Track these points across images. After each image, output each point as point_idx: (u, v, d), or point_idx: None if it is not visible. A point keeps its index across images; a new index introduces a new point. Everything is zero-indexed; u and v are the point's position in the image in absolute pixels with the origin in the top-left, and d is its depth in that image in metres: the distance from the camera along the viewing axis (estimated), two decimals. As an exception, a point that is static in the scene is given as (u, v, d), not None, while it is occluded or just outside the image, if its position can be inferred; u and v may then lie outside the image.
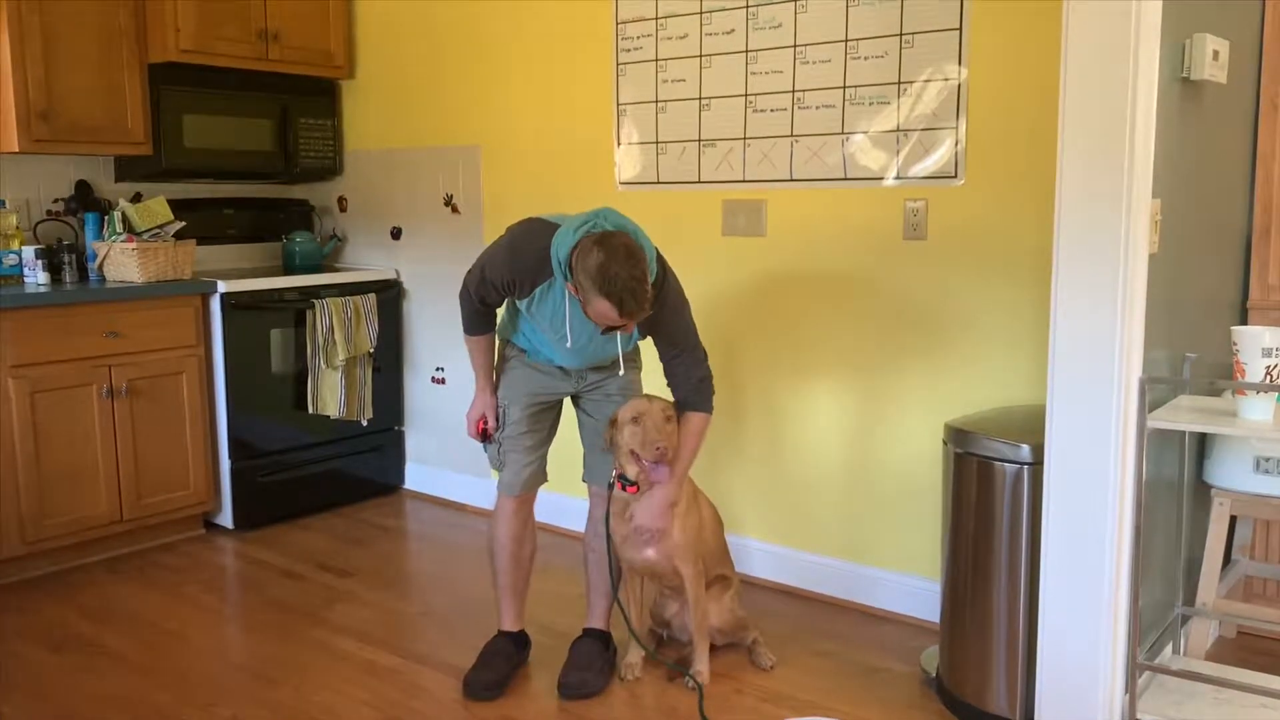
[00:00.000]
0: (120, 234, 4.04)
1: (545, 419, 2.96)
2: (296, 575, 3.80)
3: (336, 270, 4.69)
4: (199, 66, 4.26)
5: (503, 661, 2.93)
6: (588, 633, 3.03)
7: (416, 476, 4.83)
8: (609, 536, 2.91)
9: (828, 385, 3.50)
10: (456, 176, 4.47)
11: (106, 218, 4.12)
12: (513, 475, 2.92)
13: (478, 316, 2.86)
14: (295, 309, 4.35)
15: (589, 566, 3.03)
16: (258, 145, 4.54)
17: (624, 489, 2.84)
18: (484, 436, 2.96)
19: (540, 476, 2.98)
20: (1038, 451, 2.52)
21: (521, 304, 2.75)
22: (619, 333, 2.65)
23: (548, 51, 4.10)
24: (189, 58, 4.18)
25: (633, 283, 2.44)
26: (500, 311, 2.91)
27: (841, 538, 3.52)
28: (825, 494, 3.54)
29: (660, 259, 2.69)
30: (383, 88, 4.70)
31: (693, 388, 2.80)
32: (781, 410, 3.62)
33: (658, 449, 2.71)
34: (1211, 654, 3.04)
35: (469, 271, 2.80)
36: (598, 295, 2.45)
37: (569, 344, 2.73)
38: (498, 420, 2.92)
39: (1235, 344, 2.36)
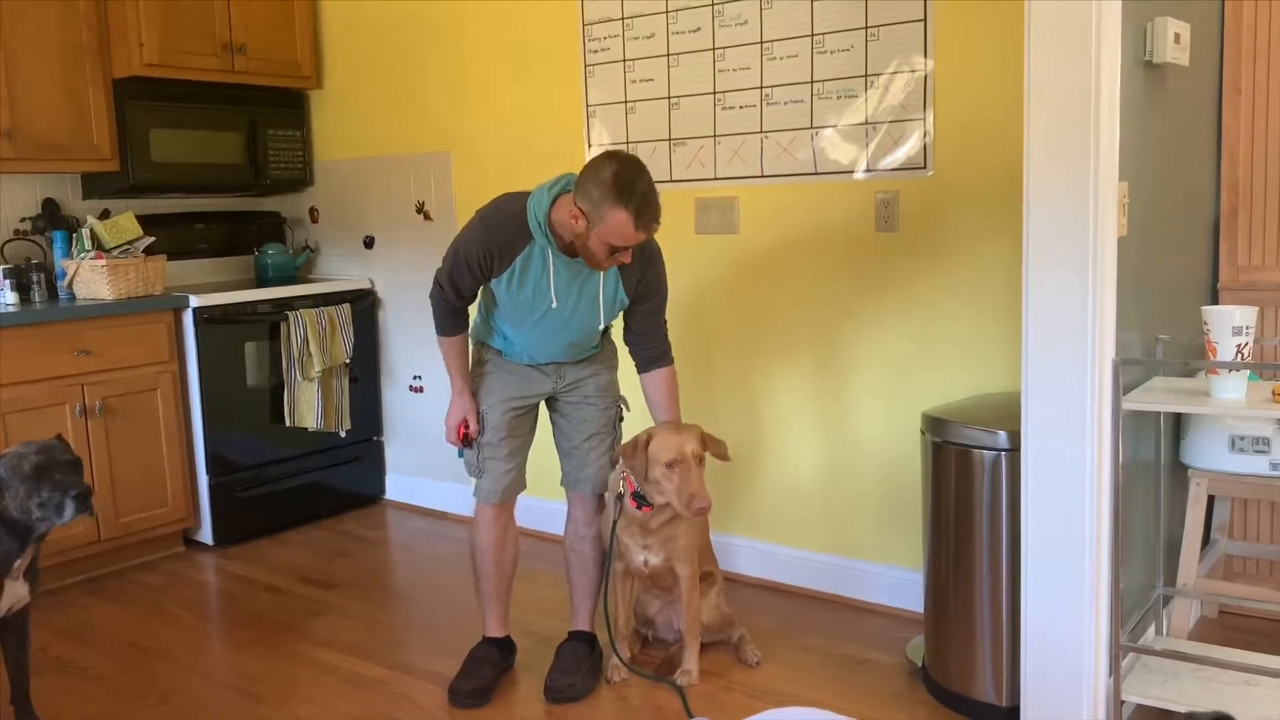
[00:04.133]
0: (89, 251, 4.00)
1: (523, 425, 2.94)
2: (278, 590, 3.77)
3: (310, 281, 4.66)
4: (165, 80, 4.23)
5: (488, 668, 2.92)
6: (573, 635, 3.02)
7: (397, 486, 4.80)
8: (613, 545, 2.91)
9: (805, 380, 3.50)
10: (428, 183, 4.45)
11: (75, 235, 4.08)
12: (492, 484, 2.90)
13: (451, 314, 2.83)
14: (269, 322, 4.32)
15: (570, 569, 3.02)
16: (227, 158, 4.51)
17: (639, 508, 2.83)
18: (465, 441, 2.91)
19: (519, 484, 2.96)
20: (1014, 438, 2.53)
21: (500, 285, 2.70)
22: (615, 293, 2.68)
23: (516, 55, 4.09)
24: (154, 71, 4.15)
25: (650, 191, 2.43)
26: (472, 313, 2.90)
27: (823, 532, 3.52)
28: (806, 489, 3.55)
29: None
30: (351, 97, 4.68)
31: (664, 342, 2.87)
32: (759, 407, 3.62)
33: (700, 507, 2.68)
34: (1194, 634, 3.06)
35: (438, 269, 2.79)
36: (614, 206, 2.42)
37: (553, 304, 2.68)
38: (479, 423, 2.89)
39: (1206, 324, 2.38)
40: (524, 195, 2.65)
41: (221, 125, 4.47)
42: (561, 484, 3.01)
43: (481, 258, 2.67)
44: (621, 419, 3.00)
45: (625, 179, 2.42)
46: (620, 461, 2.86)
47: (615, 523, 2.90)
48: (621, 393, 3.00)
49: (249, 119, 4.56)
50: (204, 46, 4.30)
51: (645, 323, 2.83)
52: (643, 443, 2.76)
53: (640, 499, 2.82)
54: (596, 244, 2.51)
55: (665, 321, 2.89)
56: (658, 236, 3.73)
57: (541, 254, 2.64)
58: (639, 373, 2.90)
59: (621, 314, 2.85)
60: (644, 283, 2.77)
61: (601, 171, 2.44)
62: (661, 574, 2.93)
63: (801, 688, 2.89)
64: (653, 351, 2.87)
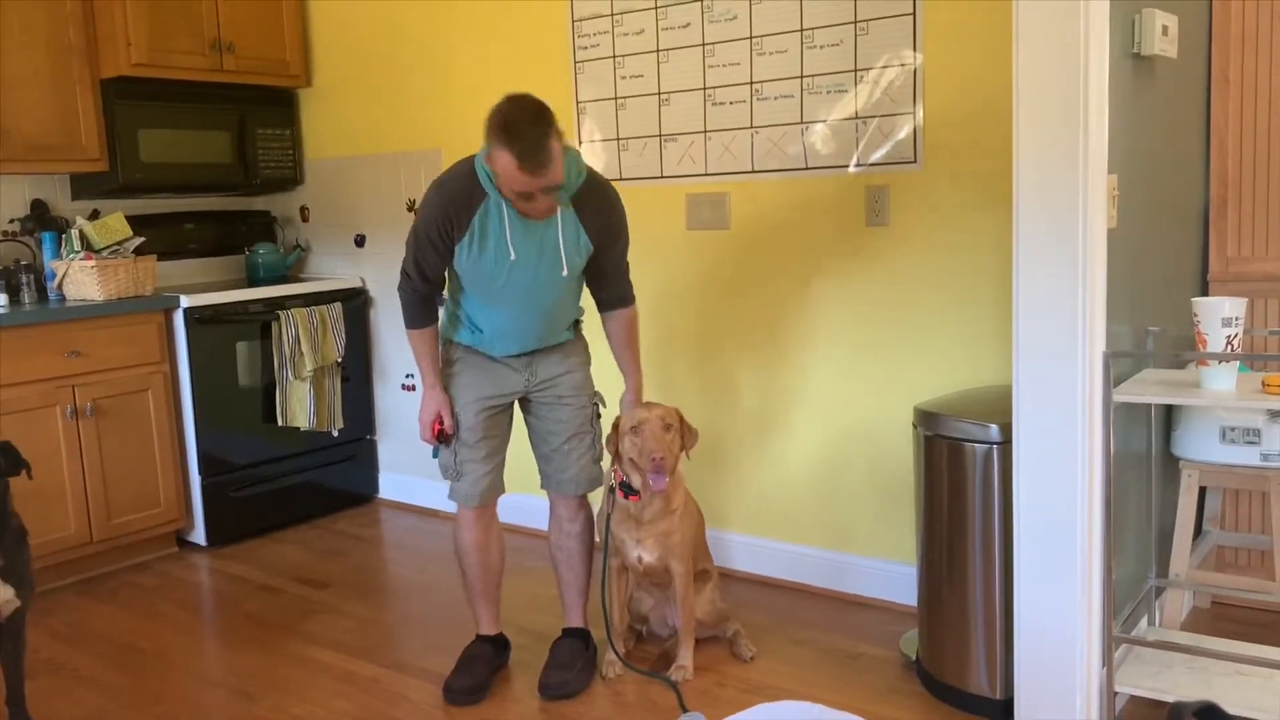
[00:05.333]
0: (78, 252, 3.99)
1: (499, 425, 2.89)
2: (272, 589, 3.76)
3: (301, 280, 4.65)
4: (153, 80, 4.21)
5: (482, 666, 2.92)
6: (567, 632, 3.02)
7: (390, 485, 4.80)
8: (607, 540, 2.91)
9: (796, 375, 3.50)
10: (419, 181, 4.44)
11: (64, 236, 4.07)
12: (470, 486, 2.86)
13: (420, 304, 2.79)
14: (260, 321, 4.31)
15: (559, 566, 3.02)
16: (216, 158, 4.50)
17: (626, 497, 2.85)
18: (440, 438, 2.84)
19: (498, 487, 2.92)
20: (1006, 430, 2.53)
21: (462, 255, 2.64)
22: (577, 239, 2.66)
23: (506, 52, 4.08)
24: (142, 71, 4.13)
25: (532, 131, 2.37)
26: (441, 314, 2.87)
27: (817, 526, 3.52)
28: (799, 484, 3.55)
29: (602, 179, 2.74)
30: (341, 95, 4.67)
31: (626, 285, 2.88)
32: (752, 402, 3.62)
33: (655, 459, 2.73)
34: (1186, 624, 3.07)
35: (403, 259, 2.76)
36: (500, 148, 2.39)
37: (512, 256, 2.62)
38: (454, 419, 2.82)
39: (1196, 315, 2.38)
40: (474, 155, 2.63)
41: (211, 124, 4.46)
42: (542, 487, 2.99)
43: (441, 224, 2.62)
44: (599, 415, 2.97)
45: (512, 120, 2.38)
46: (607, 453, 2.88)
47: (609, 516, 2.90)
48: (597, 389, 3.00)
49: (238, 118, 4.54)
50: (192, 45, 4.28)
51: (608, 268, 2.80)
52: (615, 423, 2.84)
53: (628, 489, 2.84)
54: (505, 190, 2.48)
55: (628, 266, 2.88)
56: (653, 232, 3.76)
57: (496, 208, 2.59)
58: (600, 313, 2.90)
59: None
60: (606, 230, 2.73)
61: (495, 115, 2.42)
62: (656, 571, 2.93)
63: (796, 682, 2.89)
64: (614, 294, 2.86)
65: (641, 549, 2.89)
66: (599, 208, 2.70)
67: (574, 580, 3.01)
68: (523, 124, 2.38)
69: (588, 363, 2.96)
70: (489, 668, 2.93)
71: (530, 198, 2.48)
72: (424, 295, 2.79)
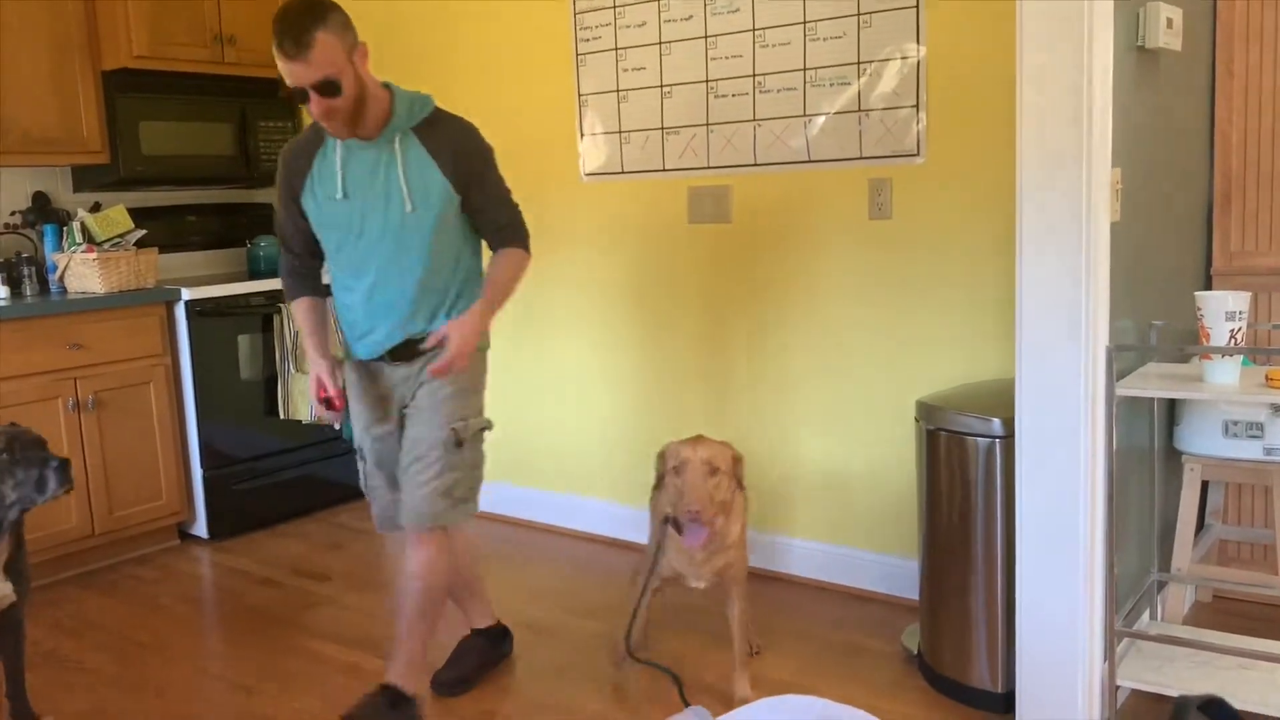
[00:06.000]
0: (80, 245, 3.98)
1: (391, 452, 2.67)
2: (274, 582, 3.76)
3: (303, 273, 4.65)
4: (154, 72, 4.21)
5: (472, 657, 2.91)
6: (474, 633, 3.00)
7: (392, 478, 4.79)
8: (654, 568, 2.74)
9: (799, 368, 3.50)
10: (420, 174, 4.43)
11: (65, 229, 4.06)
12: (380, 512, 2.75)
13: (291, 275, 2.72)
14: (262, 314, 4.31)
15: (440, 602, 2.69)
16: (217, 150, 4.49)
17: (679, 532, 2.62)
18: (328, 405, 2.62)
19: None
20: (1009, 424, 2.52)
21: (309, 207, 2.55)
22: (423, 175, 2.48)
23: (507, 44, 4.07)
24: (143, 64, 4.13)
25: (296, 15, 2.28)
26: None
27: (819, 520, 3.52)
28: (801, 477, 3.55)
29: (457, 116, 2.59)
30: (342, 88, 4.65)
31: (511, 230, 2.64)
32: (754, 395, 3.61)
33: (690, 511, 2.50)
34: (1188, 618, 3.07)
35: None
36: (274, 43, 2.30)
37: (339, 195, 2.50)
38: (339, 385, 2.61)
39: (1199, 309, 2.38)
40: None
41: (212, 116, 4.45)
42: (398, 519, 2.69)
43: (286, 179, 2.57)
44: (460, 445, 2.58)
45: (283, 9, 2.30)
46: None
47: (659, 547, 2.71)
48: (485, 417, 2.69)
49: (239, 110, 4.53)
50: (193, 38, 4.27)
51: (484, 209, 2.59)
52: (661, 452, 2.68)
53: (674, 522, 2.64)
54: (295, 97, 2.36)
55: (512, 208, 2.65)
56: (656, 226, 3.75)
57: (331, 150, 2.51)
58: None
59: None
60: (463, 166, 2.52)
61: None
62: (711, 592, 2.80)
63: (799, 676, 2.89)
64: (497, 238, 2.64)
65: (698, 580, 2.72)
66: (451, 141, 2.52)
67: (405, 632, 2.60)
68: (291, 10, 2.30)
69: (470, 384, 2.63)
70: (479, 659, 2.92)
71: (306, 98, 2.32)
72: (292, 266, 2.71)
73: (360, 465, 2.74)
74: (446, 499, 2.56)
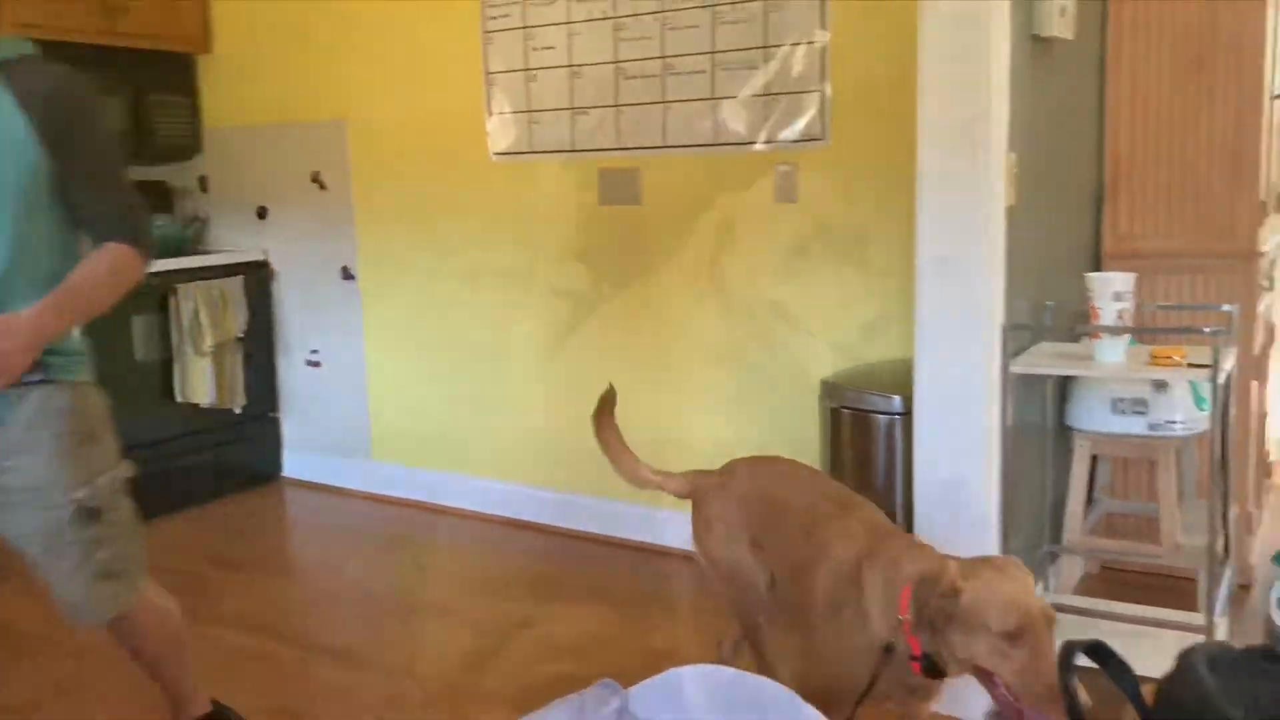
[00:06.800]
0: (-38, 222, 3.80)
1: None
2: (179, 571, 3.65)
3: (200, 253, 4.52)
4: (40, 42, 3.96)
5: None
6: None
7: (294, 463, 4.70)
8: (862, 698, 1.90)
9: (708, 348, 3.53)
10: (323, 152, 4.34)
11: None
12: None
13: None
14: (158, 295, 4.18)
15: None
16: (109, 125, 4.32)
17: (919, 671, 1.85)
18: None
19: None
20: (908, 402, 2.59)
21: None
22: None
23: (412, 20, 4.00)
24: (28, 33, 3.92)
25: None
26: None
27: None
28: (706, 455, 3.56)
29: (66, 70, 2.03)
30: (242, 62, 4.53)
31: (116, 219, 2.05)
32: (662, 374, 3.63)
33: (1043, 704, 1.67)
34: (1079, 588, 3.19)
35: None
36: None
37: None
38: None
39: (1089, 290, 2.47)
40: None
41: (103, 90, 4.27)
42: (70, 620, 2.21)
43: None
44: (96, 515, 2.03)
45: None
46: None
47: (876, 676, 1.87)
48: (120, 463, 2.16)
49: (133, 84, 4.37)
50: (82, 7, 4.10)
51: (79, 184, 1.98)
52: (950, 589, 1.75)
53: (928, 665, 1.83)
54: None
55: (121, 194, 2.07)
56: (567, 208, 3.74)
57: None
58: None
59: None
60: (59, 127, 1.93)
61: None
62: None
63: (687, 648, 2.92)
64: (95, 228, 2.05)
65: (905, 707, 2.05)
66: (47, 93, 1.95)
67: (164, 684, 2.30)
68: None
69: (68, 435, 2.03)
70: None
71: None
72: None
73: None
74: (111, 582, 2.08)
